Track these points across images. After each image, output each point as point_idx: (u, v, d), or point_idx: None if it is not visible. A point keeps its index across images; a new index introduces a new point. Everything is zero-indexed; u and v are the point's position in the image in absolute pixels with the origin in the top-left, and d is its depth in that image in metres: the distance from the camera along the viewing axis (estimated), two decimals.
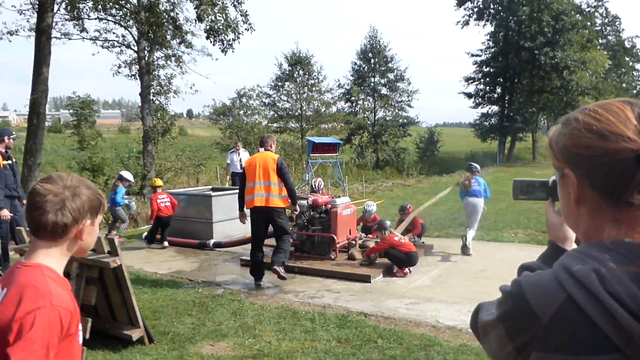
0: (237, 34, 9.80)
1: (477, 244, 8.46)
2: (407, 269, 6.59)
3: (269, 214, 6.15)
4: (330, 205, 7.39)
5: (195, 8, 9.53)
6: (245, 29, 9.91)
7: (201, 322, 4.85)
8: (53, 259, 1.34)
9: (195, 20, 9.86)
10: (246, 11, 9.78)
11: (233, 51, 10.16)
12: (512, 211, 12.37)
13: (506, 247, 8.15)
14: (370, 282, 6.27)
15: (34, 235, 1.33)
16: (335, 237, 7.11)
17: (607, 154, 0.82)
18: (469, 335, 4.50)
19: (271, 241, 7.98)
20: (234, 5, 9.62)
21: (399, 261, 6.54)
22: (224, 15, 9.46)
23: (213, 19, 9.40)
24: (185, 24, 11.17)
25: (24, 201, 6.81)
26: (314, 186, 8.08)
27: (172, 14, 10.42)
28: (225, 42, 9.89)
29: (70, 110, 15.59)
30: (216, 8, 9.29)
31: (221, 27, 9.51)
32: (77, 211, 1.32)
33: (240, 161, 13.23)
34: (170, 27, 10.95)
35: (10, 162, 6.49)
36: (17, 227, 4.97)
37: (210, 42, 9.98)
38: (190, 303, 5.46)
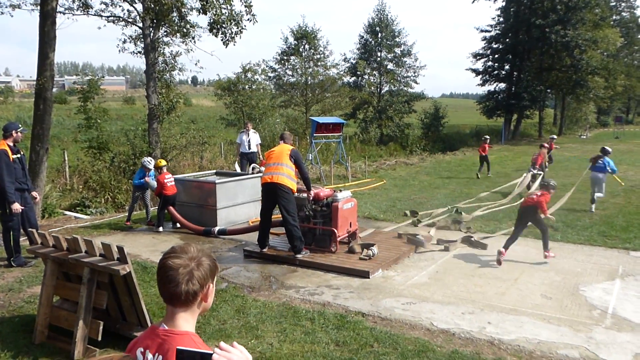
0: (240, 27, 9.72)
1: (476, 236, 8.65)
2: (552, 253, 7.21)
3: (275, 191, 6.95)
4: (331, 199, 7.54)
5: (201, 1, 9.41)
6: (248, 20, 9.81)
7: (206, 321, 5.07)
8: (191, 324, 1.56)
9: (199, 11, 9.75)
10: (250, 2, 9.68)
11: (234, 44, 10.13)
12: (513, 199, 12.45)
13: (504, 241, 8.27)
14: (369, 277, 6.47)
15: (170, 303, 1.54)
16: (336, 230, 7.30)
17: None
18: (461, 340, 4.71)
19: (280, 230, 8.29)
20: None
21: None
22: (228, 7, 9.38)
23: (217, 12, 9.31)
24: (189, 12, 11.04)
25: (33, 193, 7.01)
26: None
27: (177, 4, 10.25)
28: (227, 34, 9.82)
29: (77, 87, 15.60)
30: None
31: (225, 19, 9.42)
32: (202, 279, 1.53)
33: (249, 142, 13.43)
34: (175, 15, 10.84)
35: (19, 155, 6.64)
36: (30, 230, 5.15)
37: (213, 34, 9.91)
38: None
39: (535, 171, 12.76)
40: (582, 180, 12.17)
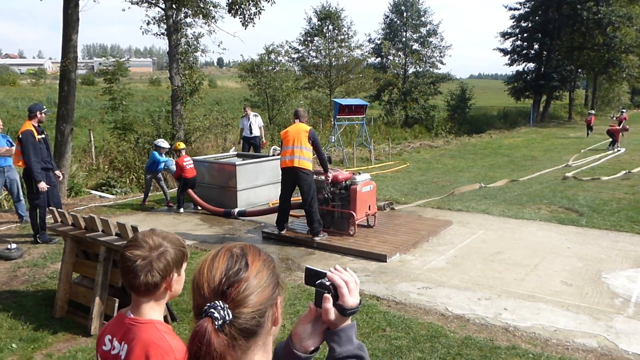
0: (259, 8, 9.62)
1: (497, 220, 8.51)
2: None
3: (296, 174, 6.94)
4: (350, 182, 7.49)
5: None
6: (267, 0, 9.69)
7: None
8: (156, 312, 1.53)
9: None
10: None
11: (254, 25, 10.04)
12: (538, 182, 12.18)
13: (526, 226, 8.14)
14: (386, 261, 6.44)
15: (133, 292, 1.52)
16: (354, 213, 7.26)
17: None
18: (476, 326, 4.66)
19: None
20: None
21: None
22: None
23: None
24: None
25: (57, 172, 7.18)
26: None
27: None
28: (246, 15, 9.74)
29: (102, 69, 15.83)
30: None
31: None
32: (164, 270, 1.49)
33: (251, 126, 13.28)
34: None
35: (43, 135, 6.79)
36: (50, 208, 5.28)
37: (232, 15, 9.84)
38: None
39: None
40: None
